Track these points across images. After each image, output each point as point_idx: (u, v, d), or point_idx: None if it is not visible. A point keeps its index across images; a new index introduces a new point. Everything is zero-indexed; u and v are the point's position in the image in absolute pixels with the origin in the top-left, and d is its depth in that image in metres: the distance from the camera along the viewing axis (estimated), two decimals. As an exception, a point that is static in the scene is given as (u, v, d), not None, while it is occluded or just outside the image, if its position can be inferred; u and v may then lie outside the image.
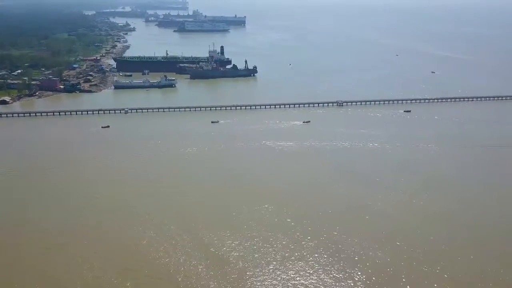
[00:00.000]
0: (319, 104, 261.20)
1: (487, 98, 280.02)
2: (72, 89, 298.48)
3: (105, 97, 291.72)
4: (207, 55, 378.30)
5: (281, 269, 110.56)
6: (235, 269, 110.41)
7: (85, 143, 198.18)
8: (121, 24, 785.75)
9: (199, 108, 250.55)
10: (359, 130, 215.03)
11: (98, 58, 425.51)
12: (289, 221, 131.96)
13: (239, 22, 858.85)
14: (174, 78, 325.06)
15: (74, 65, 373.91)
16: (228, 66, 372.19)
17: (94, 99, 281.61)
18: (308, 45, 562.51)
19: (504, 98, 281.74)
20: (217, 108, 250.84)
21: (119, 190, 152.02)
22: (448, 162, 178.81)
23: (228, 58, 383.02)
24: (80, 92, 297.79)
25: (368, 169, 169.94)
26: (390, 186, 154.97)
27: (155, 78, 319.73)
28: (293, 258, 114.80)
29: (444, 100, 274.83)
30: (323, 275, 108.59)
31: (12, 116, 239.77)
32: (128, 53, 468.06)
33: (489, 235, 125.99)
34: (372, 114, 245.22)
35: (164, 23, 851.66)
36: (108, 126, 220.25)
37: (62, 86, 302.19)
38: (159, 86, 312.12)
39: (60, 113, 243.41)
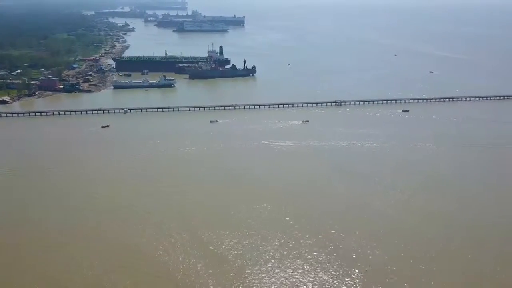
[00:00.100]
0: (318, 104, 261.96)
1: (485, 98, 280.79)
2: (71, 89, 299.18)
3: (105, 97, 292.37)
4: (206, 55, 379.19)
5: (279, 267, 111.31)
6: (234, 267, 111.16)
7: (85, 142, 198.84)
8: (120, 24, 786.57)
9: (198, 108, 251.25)
10: (358, 130, 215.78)
11: (98, 58, 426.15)
12: (287, 219, 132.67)
13: (238, 22, 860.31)
14: (173, 78, 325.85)
15: (74, 65, 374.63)
16: (227, 66, 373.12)
17: (93, 99, 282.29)
18: (308, 46, 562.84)
19: (502, 97, 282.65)
20: (216, 108, 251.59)
21: (119, 190, 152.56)
22: (446, 162, 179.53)
23: (227, 58, 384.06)
24: (79, 92, 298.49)
25: (367, 168, 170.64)
26: (388, 186, 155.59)
27: (154, 78, 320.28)
28: (291, 256, 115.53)
29: (442, 99, 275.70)
30: (321, 273, 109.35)
31: (12, 116, 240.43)
32: (127, 53, 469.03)
33: (487, 234, 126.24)
34: (371, 114, 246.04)
35: (163, 23, 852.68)
36: (108, 126, 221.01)
37: (61, 86, 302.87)
38: (158, 86, 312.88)
39: (60, 113, 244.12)
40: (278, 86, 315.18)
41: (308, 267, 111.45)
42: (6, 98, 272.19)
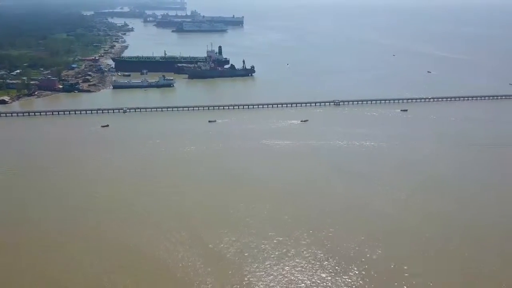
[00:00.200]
0: (316, 104, 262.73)
1: (484, 98, 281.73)
2: (70, 88, 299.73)
3: (104, 96, 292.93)
4: (205, 55, 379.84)
5: (278, 265, 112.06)
6: (233, 265, 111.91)
7: (84, 142, 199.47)
8: (120, 25, 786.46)
9: (197, 108, 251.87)
10: (356, 129, 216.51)
11: (97, 58, 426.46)
12: (286, 218, 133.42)
13: (237, 23, 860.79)
14: (172, 78, 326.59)
15: (73, 65, 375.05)
16: (226, 66, 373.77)
17: (92, 98, 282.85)
18: (307, 46, 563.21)
19: (500, 97, 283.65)
20: (215, 107, 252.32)
21: (118, 189, 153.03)
22: (445, 161, 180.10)
23: (226, 58, 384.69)
24: (78, 91, 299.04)
25: (365, 168, 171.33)
26: (387, 185, 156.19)
27: (153, 78, 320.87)
28: (290, 254, 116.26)
29: (440, 99, 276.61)
30: (319, 270, 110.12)
31: (11, 116, 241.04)
32: (126, 53, 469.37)
33: (487, 234, 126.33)
34: (369, 114, 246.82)
35: (162, 23, 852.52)
36: (107, 125, 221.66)
37: (61, 86, 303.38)
38: (158, 85, 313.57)
39: (59, 112, 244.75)
40: (277, 86, 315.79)
41: (306, 265, 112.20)
42: (6, 98, 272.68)
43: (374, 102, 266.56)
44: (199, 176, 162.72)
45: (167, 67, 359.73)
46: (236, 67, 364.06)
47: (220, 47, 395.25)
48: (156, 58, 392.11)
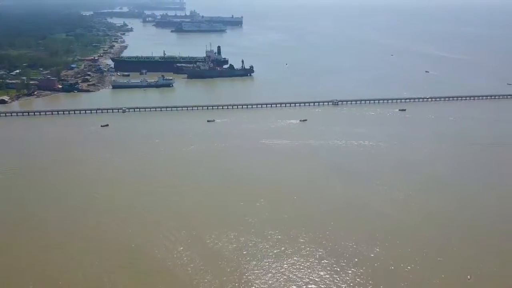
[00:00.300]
0: (315, 103, 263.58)
1: (482, 97, 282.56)
2: (70, 88, 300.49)
3: (103, 96, 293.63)
4: (204, 55, 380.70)
5: (276, 262, 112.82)
6: (231, 263, 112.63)
7: (84, 142, 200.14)
8: (119, 25, 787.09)
9: (196, 108, 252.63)
10: (355, 129, 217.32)
11: (96, 58, 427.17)
12: (285, 217, 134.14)
13: (236, 23, 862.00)
14: (171, 78, 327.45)
15: (72, 65, 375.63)
16: (225, 66, 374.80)
17: (92, 98, 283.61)
18: (307, 46, 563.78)
19: (498, 97, 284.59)
20: (214, 107, 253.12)
21: (118, 189, 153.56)
22: (444, 160, 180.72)
23: (225, 58, 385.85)
24: (78, 91, 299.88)
25: (363, 167, 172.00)
26: (385, 184, 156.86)
27: (152, 77, 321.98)
28: (288, 252, 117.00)
29: (438, 99, 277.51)
30: (317, 268, 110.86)
31: (11, 115, 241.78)
32: (125, 53, 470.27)
33: (486, 234, 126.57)
34: (367, 113, 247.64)
35: (162, 23, 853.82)
36: (107, 125, 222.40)
37: (60, 86, 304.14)
38: (157, 85, 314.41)
39: (59, 112, 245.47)
40: (276, 86, 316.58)
41: (304, 263, 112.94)
42: (5, 98, 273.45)
43: (372, 102, 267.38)
44: (198, 176, 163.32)
45: (166, 67, 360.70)
46: (235, 67, 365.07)
47: (219, 47, 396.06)
48: (155, 58, 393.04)
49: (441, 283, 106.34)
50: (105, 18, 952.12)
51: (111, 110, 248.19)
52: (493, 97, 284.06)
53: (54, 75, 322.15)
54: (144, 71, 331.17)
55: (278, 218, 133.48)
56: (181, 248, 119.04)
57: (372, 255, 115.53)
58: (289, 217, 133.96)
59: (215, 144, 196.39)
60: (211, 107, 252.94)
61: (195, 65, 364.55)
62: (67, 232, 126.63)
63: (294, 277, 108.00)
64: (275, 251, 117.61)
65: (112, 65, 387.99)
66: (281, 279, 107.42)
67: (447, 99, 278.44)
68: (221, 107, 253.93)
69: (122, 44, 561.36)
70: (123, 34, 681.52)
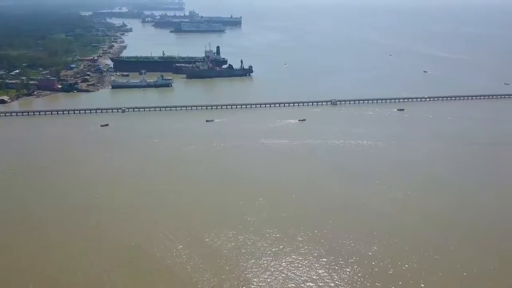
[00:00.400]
0: (314, 103, 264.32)
1: (480, 97, 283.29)
2: (69, 88, 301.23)
3: (103, 96, 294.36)
4: (203, 55, 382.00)
5: (274, 261, 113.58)
6: (230, 262, 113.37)
7: (84, 142, 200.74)
8: (118, 25, 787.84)
9: (195, 107, 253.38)
10: (353, 129, 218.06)
11: (96, 58, 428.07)
12: (284, 216, 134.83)
13: (235, 23, 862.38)
14: (170, 78, 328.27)
15: (72, 65, 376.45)
16: (224, 66, 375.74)
17: (91, 98, 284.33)
18: (306, 46, 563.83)
19: (496, 96, 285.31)
20: (212, 107, 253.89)
21: (118, 189, 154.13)
22: (442, 160, 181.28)
23: (224, 58, 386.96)
24: (77, 91, 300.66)
25: (362, 167, 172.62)
26: (384, 184, 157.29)
27: (151, 77, 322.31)
28: (286, 251, 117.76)
29: (437, 98, 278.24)
30: (315, 266, 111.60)
31: (11, 115, 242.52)
32: (125, 53, 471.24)
33: (485, 233, 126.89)
34: (366, 113, 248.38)
35: (161, 23, 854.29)
36: (107, 125, 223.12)
37: (60, 86, 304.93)
38: (156, 85, 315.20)
39: (58, 112, 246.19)
40: (275, 86, 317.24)
41: (303, 261, 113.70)
42: (5, 98, 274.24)
43: (371, 101, 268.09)
44: (197, 175, 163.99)
45: (166, 67, 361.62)
46: (234, 67, 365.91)
47: (218, 47, 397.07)
48: (155, 58, 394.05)
49: (438, 281, 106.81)
50: (105, 18, 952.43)
51: (111, 110, 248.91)
52: (491, 96, 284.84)
53: (54, 75, 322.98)
54: (143, 71, 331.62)
55: (276, 217, 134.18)
56: (180, 246, 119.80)
57: (370, 254, 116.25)
58: (288, 216, 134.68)
59: (214, 144, 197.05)
60: (210, 107, 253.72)
61: (194, 65, 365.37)
62: (67, 232, 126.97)
63: (293, 275, 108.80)
64: (274, 249, 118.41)
65: (112, 65, 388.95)
66: (280, 277, 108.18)
67: (445, 99, 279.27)
68: (220, 107, 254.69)
69: (122, 44, 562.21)
70: (123, 34, 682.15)
